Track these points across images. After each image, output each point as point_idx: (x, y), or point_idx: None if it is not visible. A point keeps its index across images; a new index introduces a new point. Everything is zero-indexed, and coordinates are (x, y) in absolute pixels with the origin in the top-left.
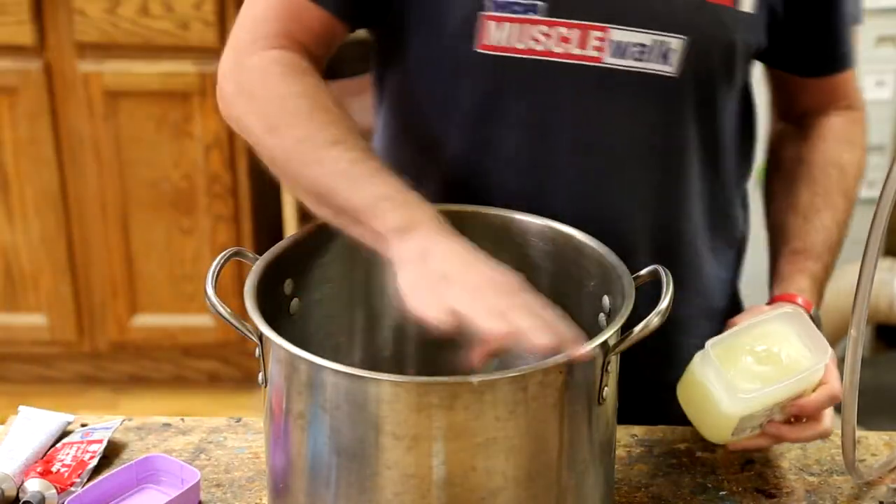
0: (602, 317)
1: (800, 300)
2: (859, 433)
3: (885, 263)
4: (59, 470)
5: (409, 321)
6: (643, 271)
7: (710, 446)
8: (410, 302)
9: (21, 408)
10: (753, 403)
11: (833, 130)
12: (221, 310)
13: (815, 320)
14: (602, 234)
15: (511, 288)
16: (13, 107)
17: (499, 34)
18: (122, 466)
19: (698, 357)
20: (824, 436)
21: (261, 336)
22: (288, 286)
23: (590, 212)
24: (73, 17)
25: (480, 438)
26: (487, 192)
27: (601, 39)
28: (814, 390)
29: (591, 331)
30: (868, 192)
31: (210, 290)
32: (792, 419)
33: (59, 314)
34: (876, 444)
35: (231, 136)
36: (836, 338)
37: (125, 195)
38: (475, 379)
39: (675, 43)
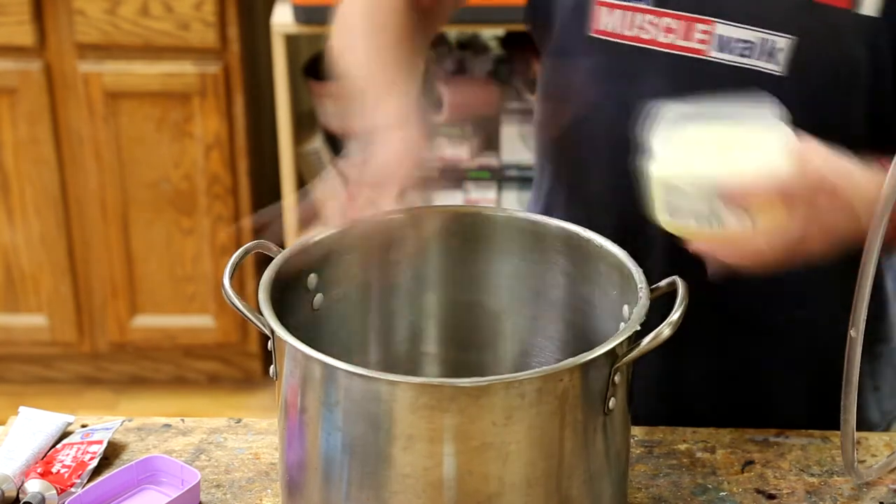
0: (623, 326)
1: None
2: (859, 434)
3: None
4: (59, 471)
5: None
6: (662, 282)
7: (710, 447)
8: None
9: (21, 408)
10: (677, 166)
11: None
12: (237, 303)
13: None
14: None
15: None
16: (13, 107)
17: (609, 19)
18: (123, 467)
19: (651, 125)
20: (787, 233)
21: (272, 331)
22: (312, 281)
23: None
24: (73, 17)
25: (477, 442)
26: (590, 175)
27: (706, 33)
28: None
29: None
30: None
31: (227, 283)
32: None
33: (60, 314)
34: (876, 445)
35: (231, 136)
36: None
37: (125, 195)
38: (468, 382)
39: (782, 42)
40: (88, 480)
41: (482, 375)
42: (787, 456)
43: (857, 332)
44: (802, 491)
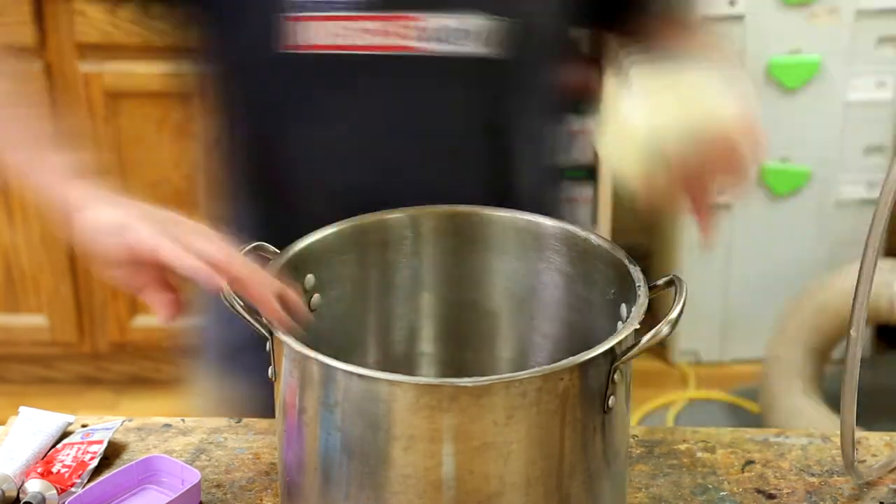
0: (620, 326)
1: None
2: (860, 434)
3: (885, 264)
4: (59, 470)
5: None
6: (660, 281)
7: (710, 447)
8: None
9: (21, 408)
10: (668, 113)
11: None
12: (236, 304)
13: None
14: None
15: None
16: None
17: (306, 34)
18: (123, 467)
19: (617, 87)
20: (737, 178)
21: (271, 331)
22: (309, 281)
23: (429, 198)
24: (73, 17)
25: (477, 442)
26: (309, 191)
27: (419, 28)
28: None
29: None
30: (868, 192)
31: (225, 284)
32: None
33: (60, 315)
34: (876, 445)
35: None
36: (836, 338)
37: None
38: (469, 382)
39: (493, 25)
40: (89, 480)
41: (480, 375)
42: (787, 456)
43: (856, 332)
44: (802, 491)
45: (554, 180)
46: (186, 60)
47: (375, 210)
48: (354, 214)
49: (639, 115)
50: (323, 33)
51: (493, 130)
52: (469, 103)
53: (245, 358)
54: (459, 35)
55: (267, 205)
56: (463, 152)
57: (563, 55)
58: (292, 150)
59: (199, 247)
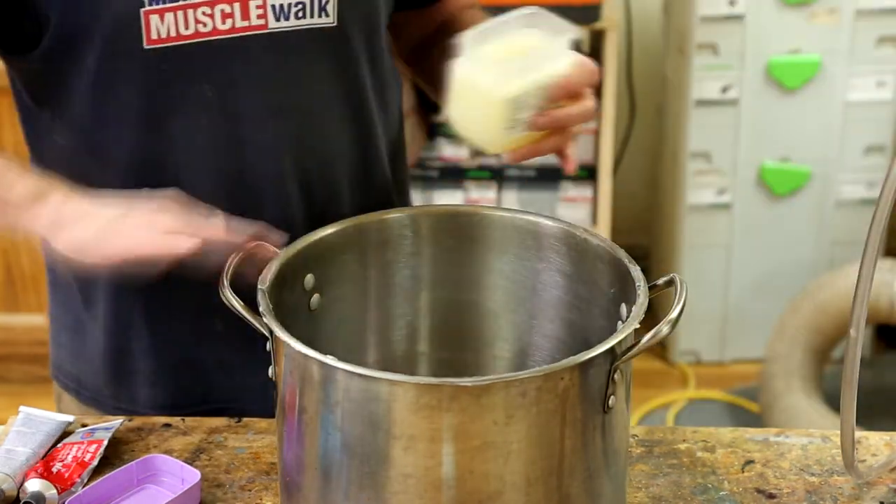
0: (620, 326)
1: None
2: (860, 434)
3: (885, 264)
4: (59, 470)
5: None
6: (660, 281)
7: (710, 446)
8: (86, 256)
9: (21, 408)
10: (515, 78)
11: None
12: (235, 303)
13: None
14: (311, 191)
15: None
16: (14, 107)
17: (163, 27)
18: (123, 467)
19: (456, 61)
20: (589, 115)
21: (271, 331)
22: (309, 282)
23: (295, 175)
24: None
25: (478, 442)
26: (184, 189)
27: (261, 7)
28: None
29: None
30: (868, 191)
31: (225, 283)
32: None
33: None
34: (876, 445)
35: None
36: (836, 338)
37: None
38: (469, 382)
39: None
40: (89, 480)
41: (480, 375)
42: (787, 455)
43: (856, 332)
44: (802, 490)
45: (403, 158)
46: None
47: (251, 194)
48: (233, 201)
49: (489, 84)
50: (182, 23)
51: (351, 102)
52: (323, 76)
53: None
54: (299, 9)
55: None
56: (327, 127)
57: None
58: (149, 152)
59: (165, 225)
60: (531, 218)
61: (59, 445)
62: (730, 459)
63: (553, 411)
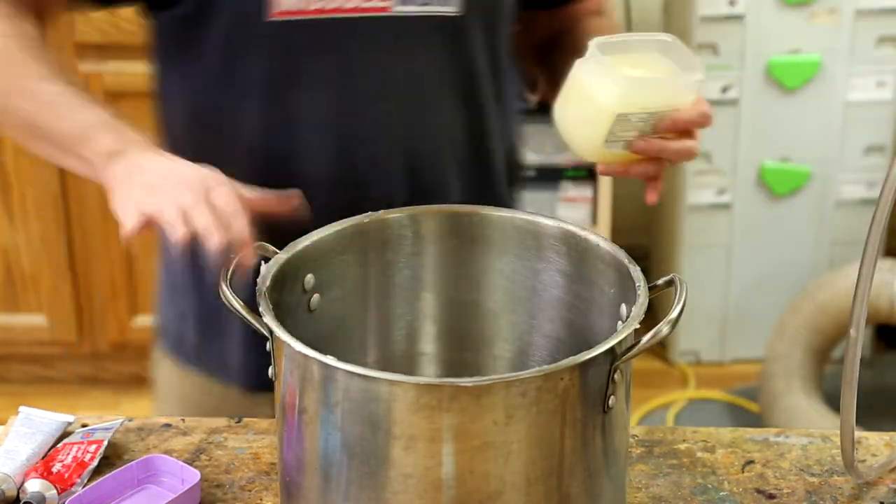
0: (620, 326)
1: None
2: (859, 434)
3: (885, 264)
4: (59, 470)
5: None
6: (660, 281)
7: (710, 447)
8: (118, 216)
9: (21, 408)
10: (634, 96)
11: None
12: (235, 304)
13: None
14: (417, 175)
15: (204, 185)
16: None
17: (289, 0)
18: (123, 467)
19: (578, 61)
20: (691, 155)
21: (271, 331)
22: (309, 282)
23: (403, 157)
24: (73, 17)
25: (478, 442)
26: (296, 160)
27: None
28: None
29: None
30: (868, 191)
31: (224, 284)
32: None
33: (60, 314)
34: (876, 445)
35: None
36: (836, 338)
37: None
38: (469, 382)
39: None
40: (89, 480)
41: (480, 375)
42: (787, 456)
43: (856, 332)
44: (802, 491)
45: (520, 154)
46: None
47: (357, 171)
48: (339, 176)
49: (604, 93)
50: None
51: (465, 90)
52: (440, 62)
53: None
54: None
55: (258, 176)
56: (439, 113)
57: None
58: (269, 120)
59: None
60: (531, 218)
61: (58, 445)
62: (730, 459)
63: (553, 411)
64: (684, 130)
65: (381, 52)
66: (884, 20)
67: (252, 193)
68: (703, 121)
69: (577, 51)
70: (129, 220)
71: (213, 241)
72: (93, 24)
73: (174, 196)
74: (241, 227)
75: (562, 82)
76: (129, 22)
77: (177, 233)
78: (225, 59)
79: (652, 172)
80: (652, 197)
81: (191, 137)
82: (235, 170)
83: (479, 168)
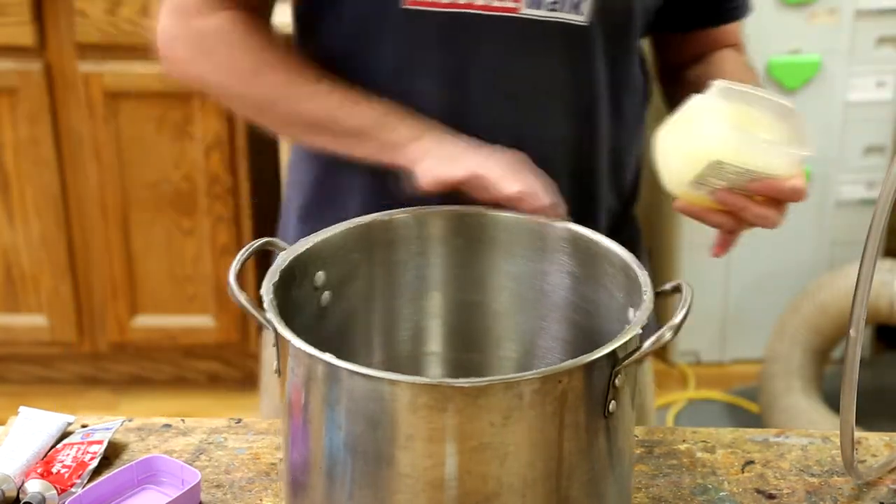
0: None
1: None
2: (859, 434)
3: (885, 264)
4: (59, 471)
5: (428, 315)
6: (667, 286)
7: (710, 447)
8: (430, 174)
9: (21, 408)
10: (739, 149)
11: (725, 53)
12: (242, 300)
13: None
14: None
15: (517, 162)
16: (14, 107)
17: None
18: (123, 467)
19: (697, 96)
20: (771, 224)
21: (276, 328)
22: (319, 278)
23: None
24: (73, 17)
25: (475, 442)
26: None
27: None
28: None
29: None
30: (868, 192)
31: (233, 280)
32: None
33: (60, 315)
34: (876, 445)
35: (232, 136)
36: (836, 338)
37: (125, 196)
38: (466, 382)
39: None
40: (89, 480)
41: (486, 376)
42: (787, 456)
43: (856, 332)
44: (802, 491)
45: (634, 166)
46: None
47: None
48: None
49: (711, 135)
50: None
51: (580, 100)
52: (559, 69)
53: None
54: (553, 1)
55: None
56: (550, 119)
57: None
58: (405, 103)
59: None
60: (539, 219)
61: (58, 446)
62: (730, 460)
63: (551, 414)
64: (773, 199)
65: (502, 51)
66: (884, 20)
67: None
68: (796, 196)
69: (703, 83)
70: (454, 172)
71: (543, 200)
72: (93, 24)
73: (493, 162)
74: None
75: (674, 108)
76: (129, 22)
77: (511, 187)
78: (356, 43)
79: (727, 226)
80: (717, 251)
81: None
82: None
83: (587, 179)
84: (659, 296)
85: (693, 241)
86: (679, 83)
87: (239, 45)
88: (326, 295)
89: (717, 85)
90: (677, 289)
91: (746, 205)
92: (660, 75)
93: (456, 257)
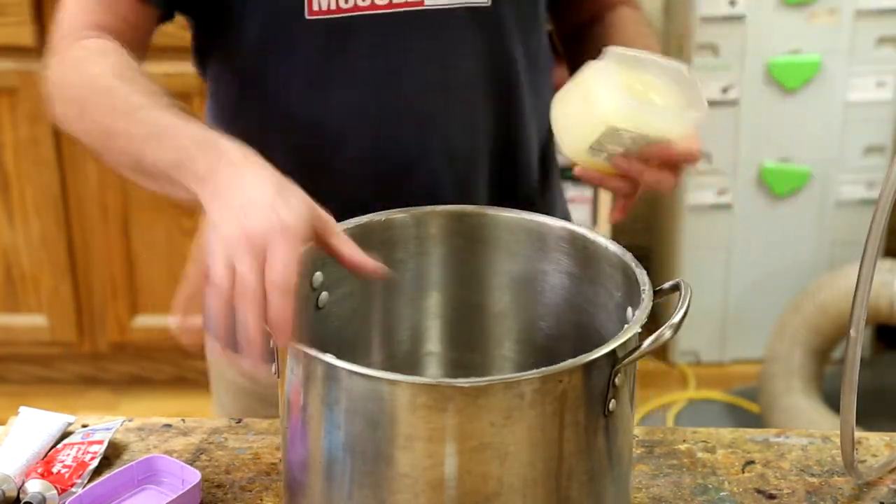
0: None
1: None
2: (859, 434)
3: (885, 264)
4: (59, 471)
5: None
6: (666, 285)
7: (710, 447)
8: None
9: (21, 408)
10: (631, 114)
11: (621, 11)
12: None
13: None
14: (448, 167)
15: (267, 237)
16: (14, 107)
17: None
18: (123, 467)
19: (590, 63)
20: (667, 187)
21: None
22: (317, 279)
23: (437, 148)
24: None
25: (475, 442)
26: (335, 156)
27: None
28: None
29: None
30: (868, 192)
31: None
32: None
33: (60, 315)
34: (876, 445)
35: None
36: (836, 338)
37: (125, 196)
38: (466, 382)
39: None
40: (89, 480)
41: (485, 376)
42: (788, 456)
43: (856, 332)
44: (803, 491)
45: (553, 147)
46: (195, 52)
47: (401, 163)
48: (384, 169)
49: (603, 102)
50: None
51: (500, 82)
52: (474, 54)
53: None
54: None
55: (297, 171)
56: (475, 105)
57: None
58: (310, 114)
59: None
60: (538, 219)
61: (59, 446)
62: (730, 460)
63: (552, 414)
64: (669, 162)
65: (414, 45)
66: (884, 20)
67: (335, 235)
68: (690, 158)
69: (600, 44)
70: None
71: (247, 330)
72: None
73: (229, 247)
74: (284, 310)
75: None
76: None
77: (212, 303)
78: (263, 61)
79: (625, 190)
80: (616, 216)
81: (233, 129)
82: (274, 166)
83: (511, 160)
84: (658, 295)
85: (693, 241)
86: (577, 46)
87: (82, 73)
88: (325, 295)
89: (611, 51)
90: (675, 287)
91: (642, 169)
92: (560, 40)
93: (455, 257)
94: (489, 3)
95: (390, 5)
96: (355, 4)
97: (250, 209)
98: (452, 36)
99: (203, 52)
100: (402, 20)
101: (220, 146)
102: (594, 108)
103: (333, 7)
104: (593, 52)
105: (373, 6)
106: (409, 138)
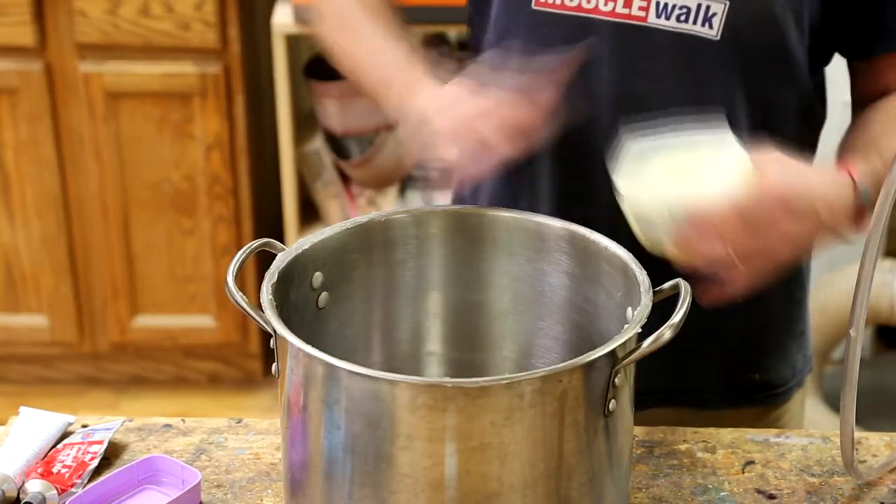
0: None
1: (854, 172)
2: (859, 434)
3: (885, 264)
4: (59, 471)
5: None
6: (665, 285)
7: (710, 447)
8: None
9: (22, 408)
10: (645, 200)
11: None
12: (240, 300)
13: (864, 196)
14: None
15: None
16: (14, 107)
17: None
18: (123, 467)
19: (620, 170)
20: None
21: (274, 328)
22: (317, 279)
23: None
24: (73, 17)
25: (475, 442)
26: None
27: (646, 0)
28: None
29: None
30: None
31: (231, 281)
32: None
33: (60, 315)
34: (877, 445)
35: (232, 136)
36: (836, 338)
37: (126, 196)
38: (467, 382)
39: (717, 7)
40: (89, 480)
41: (485, 376)
42: (788, 456)
43: (856, 332)
44: (803, 491)
45: None
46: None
47: (584, 175)
48: (567, 175)
49: (624, 173)
50: None
51: (702, 109)
52: (684, 82)
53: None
54: (682, 13)
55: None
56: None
57: (786, 51)
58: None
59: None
60: (538, 219)
61: (59, 446)
62: (730, 460)
63: (552, 414)
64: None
65: (625, 59)
66: None
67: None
68: (772, 199)
69: (853, 136)
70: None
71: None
72: (93, 24)
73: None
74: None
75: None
76: (129, 22)
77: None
78: (498, 38)
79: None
80: (706, 299)
81: None
82: None
83: None
84: (657, 295)
85: None
86: (854, 122)
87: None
88: (325, 295)
89: (628, 149)
90: (675, 288)
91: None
92: (853, 107)
93: (455, 257)
94: (717, 38)
95: (612, 14)
96: (579, 5)
97: (459, 102)
98: (665, 60)
99: (472, 24)
100: (618, 32)
101: (419, 66)
102: (620, 195)
103: (559, 3)
104: (852, 139)
105: (596, 10)
106: (596, 151)
